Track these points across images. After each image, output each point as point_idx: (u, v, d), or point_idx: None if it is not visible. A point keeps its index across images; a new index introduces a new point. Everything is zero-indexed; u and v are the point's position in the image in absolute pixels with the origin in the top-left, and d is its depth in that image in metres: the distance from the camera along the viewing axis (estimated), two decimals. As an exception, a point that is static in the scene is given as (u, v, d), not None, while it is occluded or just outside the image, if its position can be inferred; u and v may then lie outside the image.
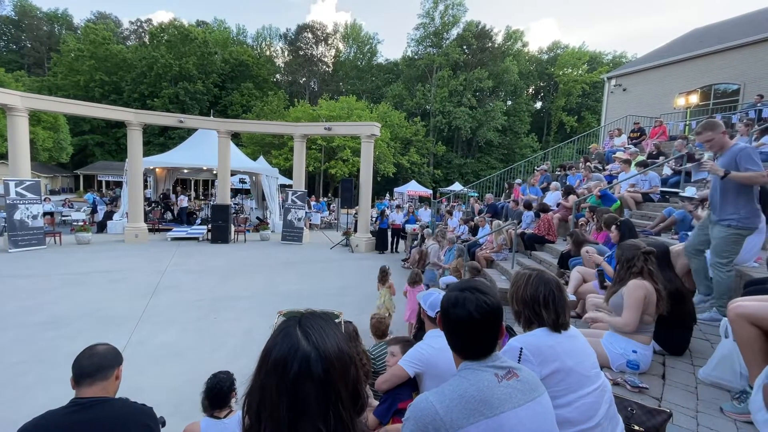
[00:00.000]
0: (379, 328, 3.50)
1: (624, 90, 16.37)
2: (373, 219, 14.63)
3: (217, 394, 2.30)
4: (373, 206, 15.29)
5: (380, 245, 13.05)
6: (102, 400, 1.52)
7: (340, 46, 50.86)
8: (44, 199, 13.82)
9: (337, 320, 0.89)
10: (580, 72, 44.03)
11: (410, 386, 2.16)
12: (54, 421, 1.43)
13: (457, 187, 28.05)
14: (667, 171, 7.67)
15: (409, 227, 13.23)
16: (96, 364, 1.56)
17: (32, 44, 46.33)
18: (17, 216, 10.39)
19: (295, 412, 0.73)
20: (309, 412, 0.74)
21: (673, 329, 2.85)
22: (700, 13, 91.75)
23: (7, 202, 10.31)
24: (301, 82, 49.88)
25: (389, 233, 13.36)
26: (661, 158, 8.28)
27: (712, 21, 17.79)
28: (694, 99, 12.88)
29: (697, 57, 13.93)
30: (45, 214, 12.28)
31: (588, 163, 9.39)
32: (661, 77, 15.03)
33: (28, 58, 45.92)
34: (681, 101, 12.90)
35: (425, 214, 14.29)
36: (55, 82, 38.88)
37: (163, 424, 1.85)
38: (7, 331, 5.30)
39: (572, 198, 7.62)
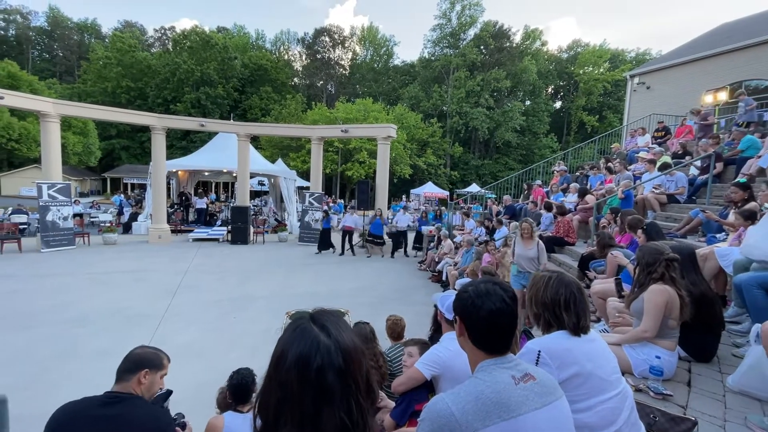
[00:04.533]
0: (395, 330, 3.49)
1: (648, 88, 15.89)
2: (317, 220, 13.77)
3: (241, 390, 2.39)
4: (389, 208, 15.02)
5: (322, 245, 12.37)
6: (127, 397, 1.62)
7: (357, 48, 51.21)
8: (74, 201, 14.39)
9: (344, 317, 0.92)
10: (601, 70, 43.01)
11: (426, 388, 2.15)
12: (84, 408, 1.56)
13: (474, 188, 27.80)
14: (693, 171, 7.41)
15: (425, 228, 13.10)
16: (123, 368, 1.73)
17: (63, 53, 48.44)
18: (49, 217, 10.87)
19: (320, 403, 0.76)
20: (333, 403, 0.77)
21: (699, 335, 2.75)
22: (729, 8, 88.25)
23: (40, 204, 10.81)
24: (319, 85, 50.43)
25: (342, 234, 12.59)
26: (687, 158, 8.00)
27: (741, 15, 17.06)
28: (723, 96, 12.38)
29: (725, 53, 13.40)
30: (75, 215, 12.80)
31: (609, 164, 9.16)
32: (688, 74, 14.52)
33: (59, 66, 48.02)
34: (709, 98, 12.43)
35: (403, 219, 12.84)
36: (84, 88, 40.49)
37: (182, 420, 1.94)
38: (37, 328, 5.54)
39: (591, 198, 7.44)
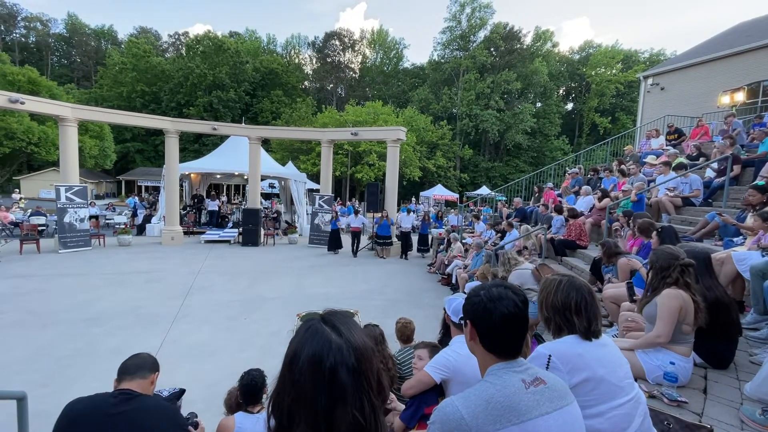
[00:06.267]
0: (405, 333, 3.49)
1: (662, 89, 15.63)
2: (326, 221, 13.92)
3: (252, 391, 2.41)
4: (398, 210, 14.95)
5: (332, 245, 12.70)
6: (140, 394, 1.66)
7: (367, 52, 51.44)
8: (90, 203, 14.71)
9: (354, 318, 0.93)
10: (613, 71, 42.45)
11: (436, 391, 2.15)
12: (100, 404, 1.59)
13: (484, 190, 27.64)
14: (710, 173, 7.26)
15: (435, 231, 13.06)
16: (138, 364, 1.79)
17: (81, 59, 49.73)
18: (67, 219, 11.14)
19: (333, 402, 0.78)
20: (346, 401, 0.78)
21: (715, 341, 2.70)
22: (747, 7, 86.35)
23: (58, 206, 11.09)
24: (329, 88, 50.79)
25: (351, 235, 12.83)
26: (702, 159, 7.84)
27: (759, 14, 16.67)
28: (741, 97, 12.10)
29: (743, 52, 13.13)
30: (91, 217, 13.07)
31: (622, 166, 9.02)
32: (704, 74, 14.25)
33: (77, 71, 49.31)
34: (726, 99, 12.16)
35: (407, 219, 12.94)
36: (101, 93, 41.49)
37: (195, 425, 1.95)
38: (55, 327, 5.67)
39: (605, 201, 7.34)
